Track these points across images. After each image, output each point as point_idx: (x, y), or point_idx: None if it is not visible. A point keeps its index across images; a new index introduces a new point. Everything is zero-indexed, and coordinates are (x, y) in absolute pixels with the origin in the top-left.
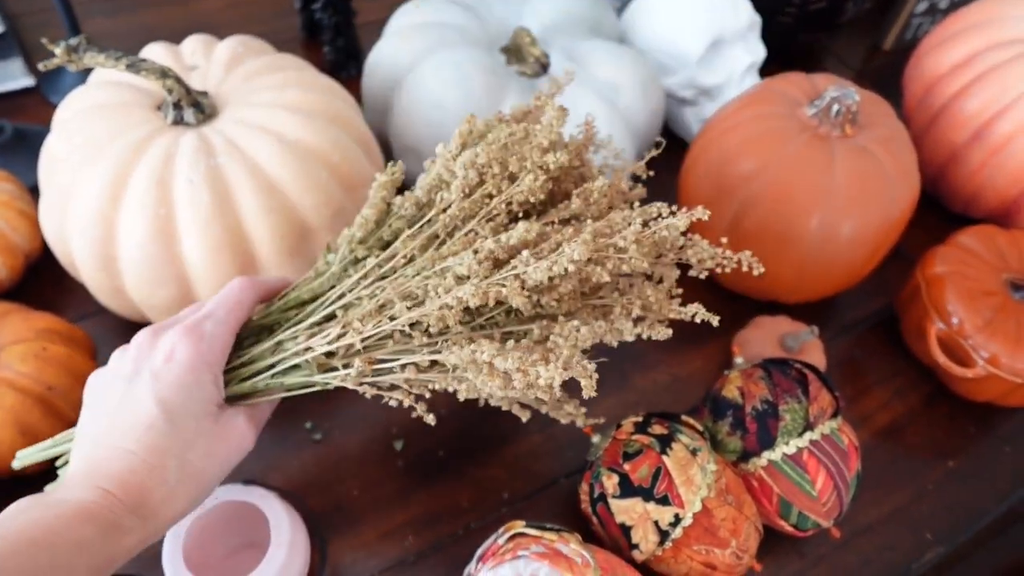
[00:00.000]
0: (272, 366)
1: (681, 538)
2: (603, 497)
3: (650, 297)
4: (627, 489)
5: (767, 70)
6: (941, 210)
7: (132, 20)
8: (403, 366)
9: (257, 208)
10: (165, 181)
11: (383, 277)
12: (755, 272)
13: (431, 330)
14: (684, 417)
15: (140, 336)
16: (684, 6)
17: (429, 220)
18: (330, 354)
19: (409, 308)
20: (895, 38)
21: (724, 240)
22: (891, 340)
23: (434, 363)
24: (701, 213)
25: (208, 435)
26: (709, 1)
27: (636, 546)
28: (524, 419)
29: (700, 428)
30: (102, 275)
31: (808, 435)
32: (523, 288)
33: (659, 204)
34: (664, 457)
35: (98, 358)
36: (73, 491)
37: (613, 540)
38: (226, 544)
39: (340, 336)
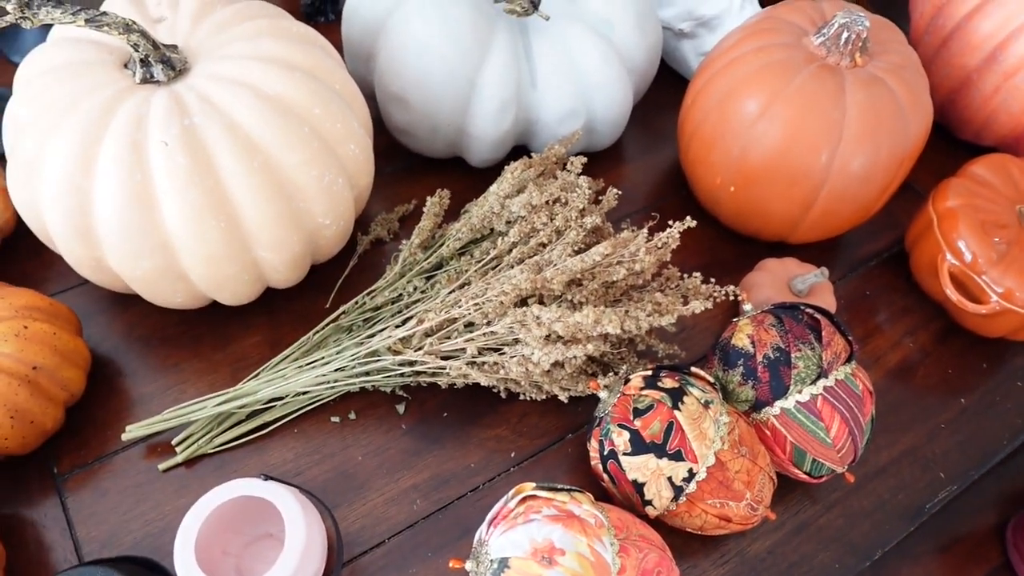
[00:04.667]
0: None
1: (695, 492)
2: (614, 454)
3: (660, 301)
4: (639, 446)
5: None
6: (949, 138)
7: None
8: (467, 340)
9: (238, 168)
10: (138, 144)
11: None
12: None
13: (490, 316)
14: (694, 369)
15: None
16: None
17: (486, 251)
18: (404, 339)
19: (473, 300)
20: None
21: (732, 189)
22: (901, 277)
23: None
24: (689, 222)
25: None
26: None
27: (649, 502)
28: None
29: (711, 380)
30: (81, 247)
31: (822, 382)
32: (562, 278)
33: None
34: (676, 412)
35: (85, 333)
36: None
37: (626, 497)
38: (247, 534)
39: (418, 324)
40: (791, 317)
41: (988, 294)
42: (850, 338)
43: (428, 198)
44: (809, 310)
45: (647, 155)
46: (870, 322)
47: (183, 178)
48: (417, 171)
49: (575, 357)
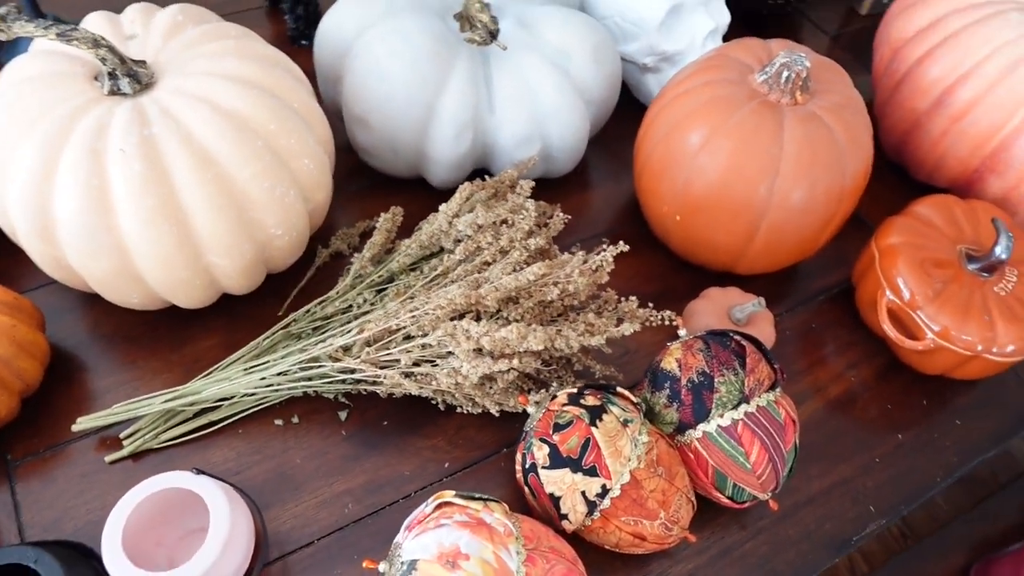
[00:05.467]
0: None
1: (609, 509)
2: (534, 467)
3: (592, 322)
4: (556, 460)
5: (737, 35)
6: (907, 179)
7: None
8: (402, 351)
9: (191, 178)
10: (98, 151)
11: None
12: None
13: (425, 328)
14: (620, 389)
15: None
16: None
17: (434, 267)
18: (346, 348)
19: (411, 312)
20: (872, 2)
21: (678, 218)
22: (848, 312)
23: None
24: (622, 247)
25: None
26: None
27: (565, 516)
28: (495, 412)
29: (635, 400)
30: (43, 246)
31: (743, 407)
32: (496, 295)
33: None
34: (593, 428)
35: (47, 330)
36: None
37: (544, 510)
38: (181, 527)
39: (358, 333)
40: (718, 343)
41: (924, 331)
42: (776, 366)
43: (382, 214)
44: (737, 337)
45: (607, 183)
46: (814, 354)
47: (138, 184)
48: (380, 189)
49: (505, 372)
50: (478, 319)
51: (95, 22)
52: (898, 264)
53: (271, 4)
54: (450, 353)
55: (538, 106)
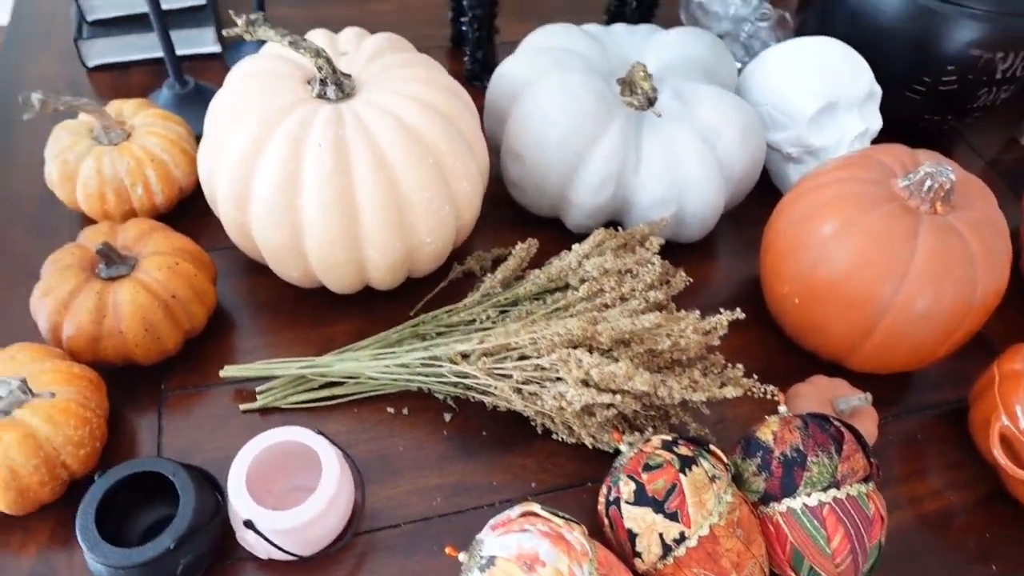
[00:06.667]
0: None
1: (683, 557)
2: (617, 501)
3: (697, 379)
4: (641, 498)
5: (886, 142)
6: None
7: (313, 11)
8: (515, 367)
9: (368, 177)
10: (299, 141)
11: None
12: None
13: (541, 351)
14: (712, 447)
15: None
16: (803, 65)
17: (556, 299)
18: (464, 355)
19: (530, 334)
20: None
21: (797, 301)
22: (957, 431)
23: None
24: (739, 314)
25: None
26: (828, 64)
27: (639, 554)
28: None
29: (725, 460)
30: (235, 211)
31: (833, 491)
32: (611, 334)
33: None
34: (682, 476)
35: (217, 285)
36: None
37: (620, 544)
38: (290, 481)
39: (479, 343)
40: (817, 424)
41: None
42: (873, 461)
43: (518, 243)
44: (837, 423)
45: (731, 258)
46: (914, 465)
47: (325, 174)
48: (518, 223)
49: (605, 407)
50: (590, 352)
51: (318, 37)
52: (1019, 391)
53: (454, 44)
54: (559, 379)
55: (680, 174)
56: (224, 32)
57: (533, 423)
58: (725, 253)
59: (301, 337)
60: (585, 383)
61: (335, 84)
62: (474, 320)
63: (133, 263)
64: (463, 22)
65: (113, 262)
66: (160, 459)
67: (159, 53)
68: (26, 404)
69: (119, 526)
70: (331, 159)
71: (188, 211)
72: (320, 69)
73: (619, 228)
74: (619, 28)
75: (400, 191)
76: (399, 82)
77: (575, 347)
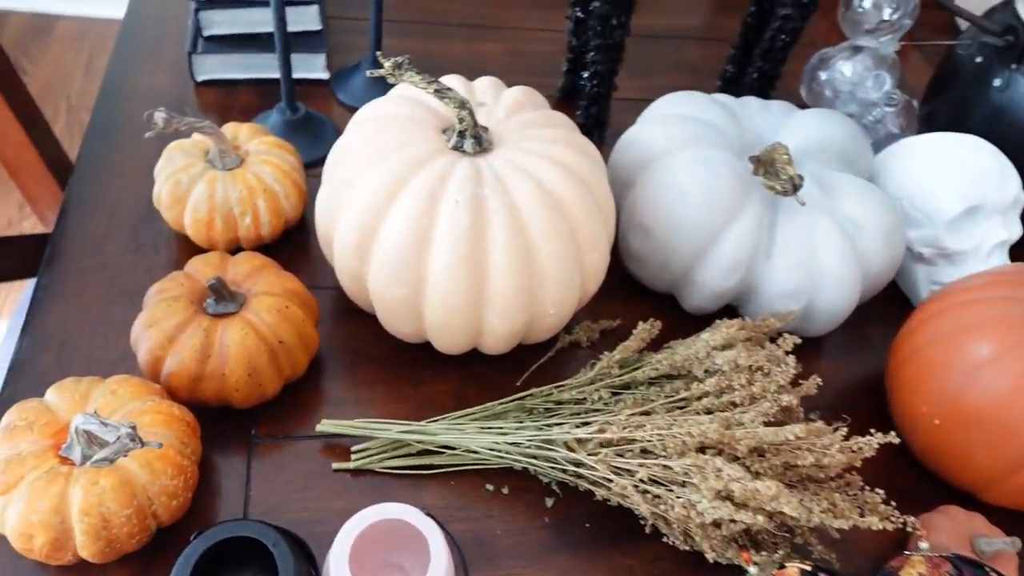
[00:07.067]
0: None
1: None
2: None
3: (837, 502)
4: None
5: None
6: None
7: (419, 46)
8: (641, 464)
9: (503, 241)
10: (435, 196)
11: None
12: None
13: (669, 450)
14: None
15: None
16: (948, 162)
17: (676, 389)
18: (580, 440)
19: (657, 430)
20: None
21: (937, 422)
22: None
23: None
24: (893, 438)
25: None
26: (977, 165)
27: None
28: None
29: None
30: (353, 259)
31: None
32: (750, 442)
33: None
34: None
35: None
36: None
37: None
38: (373, 559)
39: (598, 431)
40: (973, 572)
41: None
42: None
43: (640, 323)
44: (992, 572)
45: (848, 357)
46: None
47: (459, 234)
48: (630, 296)
49: (735, 522)
50: (727, 459)
51: (454, 84)
52: None
53: (563, 96)
54: (684, 483)
55: (816, 267)
56: (368, 73)
57: (643, 522)
58: (838, 351)
59: (397, 393)
60: (719, 493)
61: (473, 137)
62: (584, 399)
63: (242, 301)
64: (583, 75)
65: (223, 299)
66: (260, 524)
67: (269, 74)
68: (132, 453)
69: None
70: (468, 218)
71: (289, 244)
72: (462, 120)
73: (738, 315)
74: (752, 102)
75: (534, 259)
76: (538, 141)
77: (702, 449)
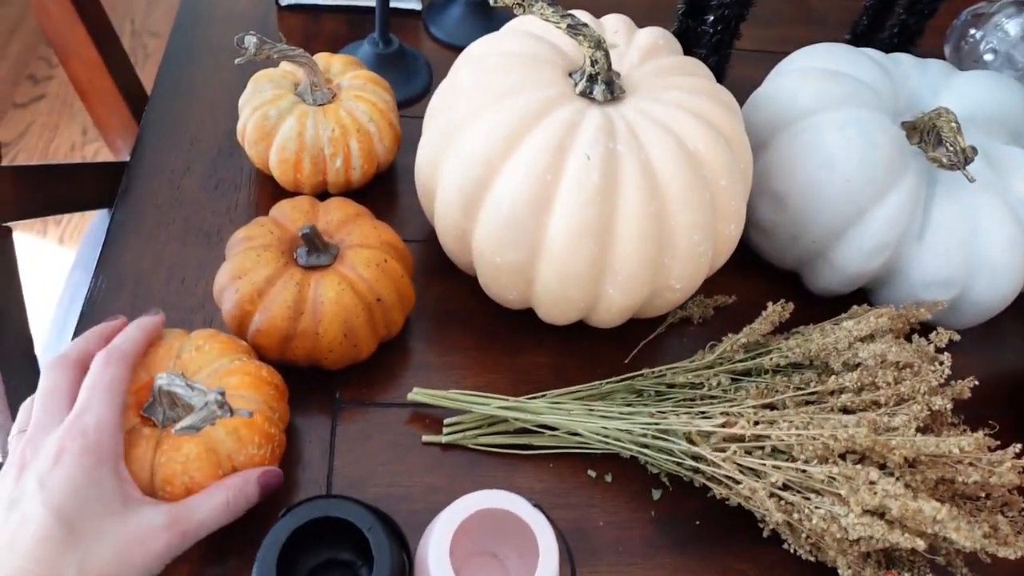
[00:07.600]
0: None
1: None
2: None
3: (1000, 525)
4: None
5: None
6: None
7: None
8: (775, 467)
9: (635, 206)
10: (563, 148)
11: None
12: None
13: (803, 455)
14: None
15: (18, 446)
16: None
17: (807, 380)
18: (702, 433)
19: (795, 430)
20: None
21: None
22: None
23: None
24: None
25: (114, 537)
26: None
27: None
28: None
29: None
30: (458, 214)
31: None
32: (906, 452)
33: None
34: None
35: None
36: None
37: None
38: (464, 545)
39: (723, 425)
40: None
41: None
42: None
43: (770, 304)
44: None
45: (986, 354)
46: None
47: (588, 195)
48: (748, 271)
49: (878, 540)
50: (859, 462)
51: (585, 20)
52: None
53: None
54: (822, 491)
55: (977, 252)
56: (492, 2)
57: (761, 525)
58: (970, 346)
59: (491, 363)
60: (871, 510)
61: (605, 83)
62: (700, 384)
63: (335, 253)
64: (705, 20)
65: (316, 250)
66: (353, 503)
67: (356, 1)
68: (219, 421)
69: (283, 561)
70: (598, 177)
71: (378, 191)
72: (595, 63)
73: (868, 302)
74: (905, 59)
75: (667, 227)
76: (679, 91)
77: (843, 456)
